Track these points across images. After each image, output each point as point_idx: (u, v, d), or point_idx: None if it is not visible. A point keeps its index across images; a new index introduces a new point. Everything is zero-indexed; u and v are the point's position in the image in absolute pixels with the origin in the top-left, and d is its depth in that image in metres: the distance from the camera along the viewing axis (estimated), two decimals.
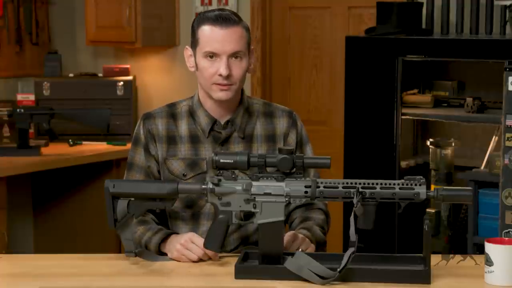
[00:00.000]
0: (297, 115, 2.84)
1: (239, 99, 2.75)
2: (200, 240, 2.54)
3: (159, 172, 2.76)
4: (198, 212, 2.73)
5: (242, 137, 2.74)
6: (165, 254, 2.61)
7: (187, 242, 2.55)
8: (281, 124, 2.79)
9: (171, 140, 2.75)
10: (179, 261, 2.55)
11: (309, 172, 2.77)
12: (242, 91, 2.77)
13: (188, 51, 2.73)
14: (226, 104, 2.72)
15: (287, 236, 2.57)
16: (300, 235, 2.60)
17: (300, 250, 2.55)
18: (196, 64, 2.69)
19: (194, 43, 2.69)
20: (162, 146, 2.75)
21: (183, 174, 2.72)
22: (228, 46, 2.63)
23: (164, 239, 2.63)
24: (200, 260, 2.54)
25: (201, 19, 2.67)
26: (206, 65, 2.65)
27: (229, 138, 2.74)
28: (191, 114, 2.76)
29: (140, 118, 2.80)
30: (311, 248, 2.60)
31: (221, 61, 2.63)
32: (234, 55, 2.64)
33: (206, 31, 2.64)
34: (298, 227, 2.69)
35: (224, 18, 2.63)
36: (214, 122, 2.73)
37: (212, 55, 2.64)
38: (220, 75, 2.63)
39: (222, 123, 2.74)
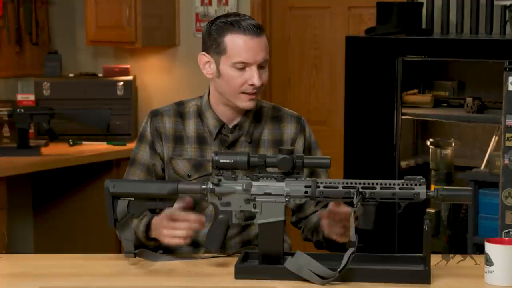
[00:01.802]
0: (305, 121, 2.82)
1: None
2: (179, 214, 2.51)
3: (163, 170, 2.75)
4: (201, 213, 2.72)
5: (249, 142, 2.74)
6: (156, 240, 2.60)
7: (169, 222, 2.53)
8: (289, 129, 2.78)
9: (178, 139, 2.75)
10: (175, 244, 2.53)
11: (320, 175, 2.77)
12: None
13: (205, 57, 2.69)
14: (239, 109, 2.71)
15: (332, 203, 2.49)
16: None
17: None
18: (219, 72, 2.66)
19: (218, 51, 2.63)
20: (168, 145, 2.74)
21: (188, 175, 2.72)
22: (258, 55, 2.62)
23: (149, 225, 2.62)
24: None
25: (226, 27, 2.62)
26: (235, 74, 2.63)
27: (236, 142, 2.73)
28: (199, 115, 2.75)
29: (148, 115, 2.79)
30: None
31: (251, 70, 2.61)
32: (262, 64, 2.64)
33: (237, 40, 2.60)
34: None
35: (253, 28, 2.60)
36: (222, 125, 2.73)
37: (242, 66, 2.62)
38: (252, 84, 2.61)
39: (230, 126, 2.73)
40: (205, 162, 2.72)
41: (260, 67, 2.64)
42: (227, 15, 2.67)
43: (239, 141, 2.73)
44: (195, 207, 2.72)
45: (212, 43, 2.65)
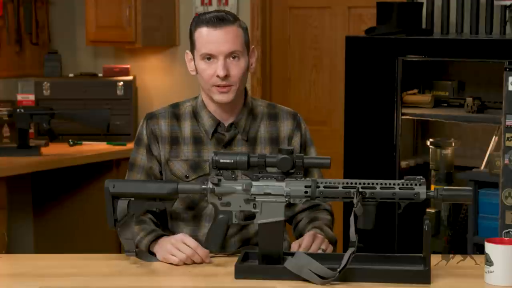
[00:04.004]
0: (301, 118, 2.82)
1: (243, 101, 2.74)
2: (191, 241, 2.53)
3: (161, 173, 2.75)
4: (200, 213, 2.72)
5: (245, 140, 2.74)
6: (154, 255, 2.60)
7: (178, 242, 2.54)
8: (285, 126, 2.78)
9: (174, 141, 2.74)
10: (167, 262, 2.53)
11: (313, 174, 2.77)
12: (246, 92, 2.76)
13: (188, 55, 2.73)
14: (229, 107, 2.71)
15: (308, 236, 2.57)
16: (319, 235, 2.60)
17: (320, 250, 2.55)
18: (196, 67, 2.69)
19: (192, 46, 2.69)
20: (165, 147, 2.74)
21: (186, 176, 2.72)
22: (223, 46, 2.61)
23: (155, 240, 2.62)
24: (190, 263, 2.52)
25: (197, 21, 2.66)
26: (204, 67, 2.64)
27: (232, 141, 2.73)
28: (195, 115, 2.75)
29: (143, 118, 2.79)
30: (330, 248, 2.60)
31: (218, 62, 2.62)
32: (231, 55, 2.63)
33: (201, 33, 2.63)
34: (307, 227, 2.69)
35: (218, 19, 2.62)
36: (218, 124, 2.73)
37: (209, 57, 2.63)
38: (218, 76, 2.62)
39: (226, 125, 2.73)
40: (202, 162, 2.72)
41: (232, 57, 2.63)
42: (207, 12, 2.69)
43: (236, 140, 2.73)
44: (194, 207, 2.72)
45: (190, 40, 2.70)
